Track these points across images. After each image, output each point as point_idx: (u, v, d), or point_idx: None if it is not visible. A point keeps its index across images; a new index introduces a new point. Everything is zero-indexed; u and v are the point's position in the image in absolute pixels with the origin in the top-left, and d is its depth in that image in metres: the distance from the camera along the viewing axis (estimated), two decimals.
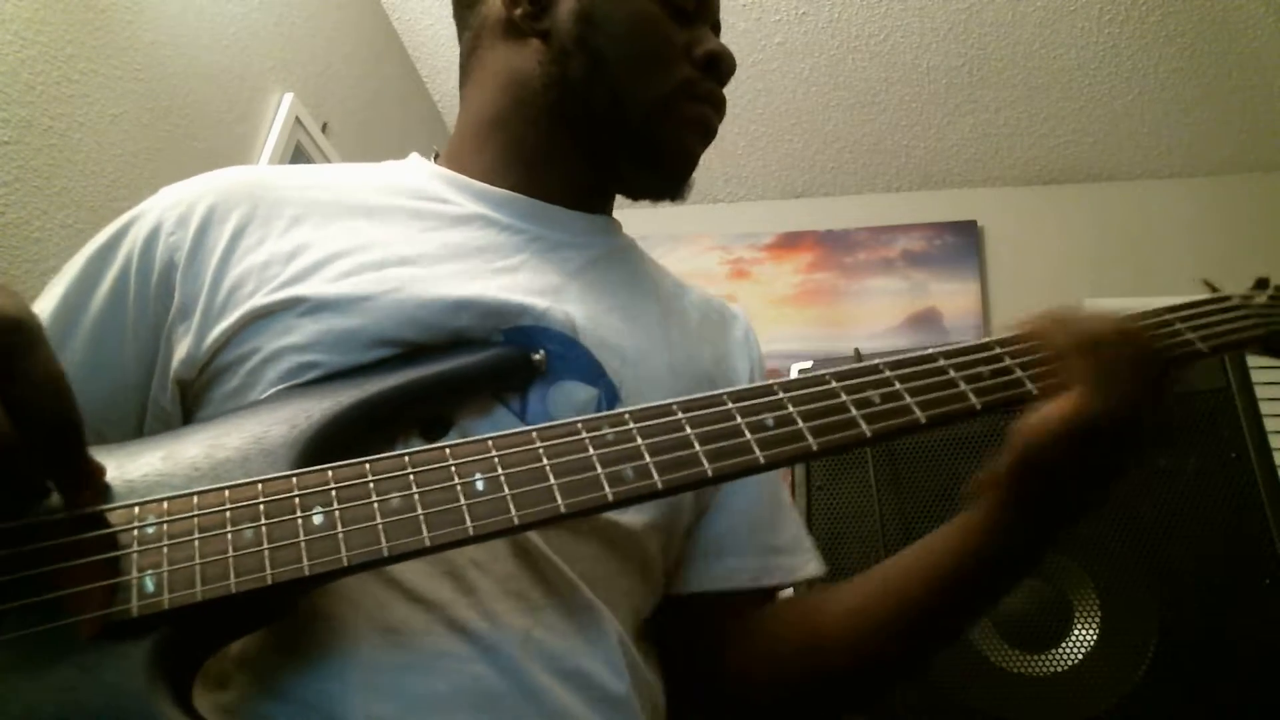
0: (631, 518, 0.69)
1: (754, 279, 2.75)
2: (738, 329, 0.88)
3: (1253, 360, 1.25)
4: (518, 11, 0.80)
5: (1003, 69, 2.41)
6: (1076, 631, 1.20)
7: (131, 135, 1.48)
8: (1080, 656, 1.18)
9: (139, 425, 0.69)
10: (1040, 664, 1.19)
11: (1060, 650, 1.19)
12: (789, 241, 2.78)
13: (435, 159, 0.84)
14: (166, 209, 0.71)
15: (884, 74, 2.45)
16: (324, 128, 2.01)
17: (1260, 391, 1.23)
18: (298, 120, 1.90)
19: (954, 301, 2.64)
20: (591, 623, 0.64)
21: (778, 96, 2.51)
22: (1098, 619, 1.19)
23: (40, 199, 1.29)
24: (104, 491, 0.53)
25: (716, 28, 0.85)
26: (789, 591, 0.84)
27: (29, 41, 1.29)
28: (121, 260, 0.69)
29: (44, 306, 0.70)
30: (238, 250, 0.69)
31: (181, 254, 0.69)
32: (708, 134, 0.82)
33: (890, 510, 1.32)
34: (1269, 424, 1.22)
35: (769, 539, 0.80)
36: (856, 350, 1.31)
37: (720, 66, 0.80)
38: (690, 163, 0.81)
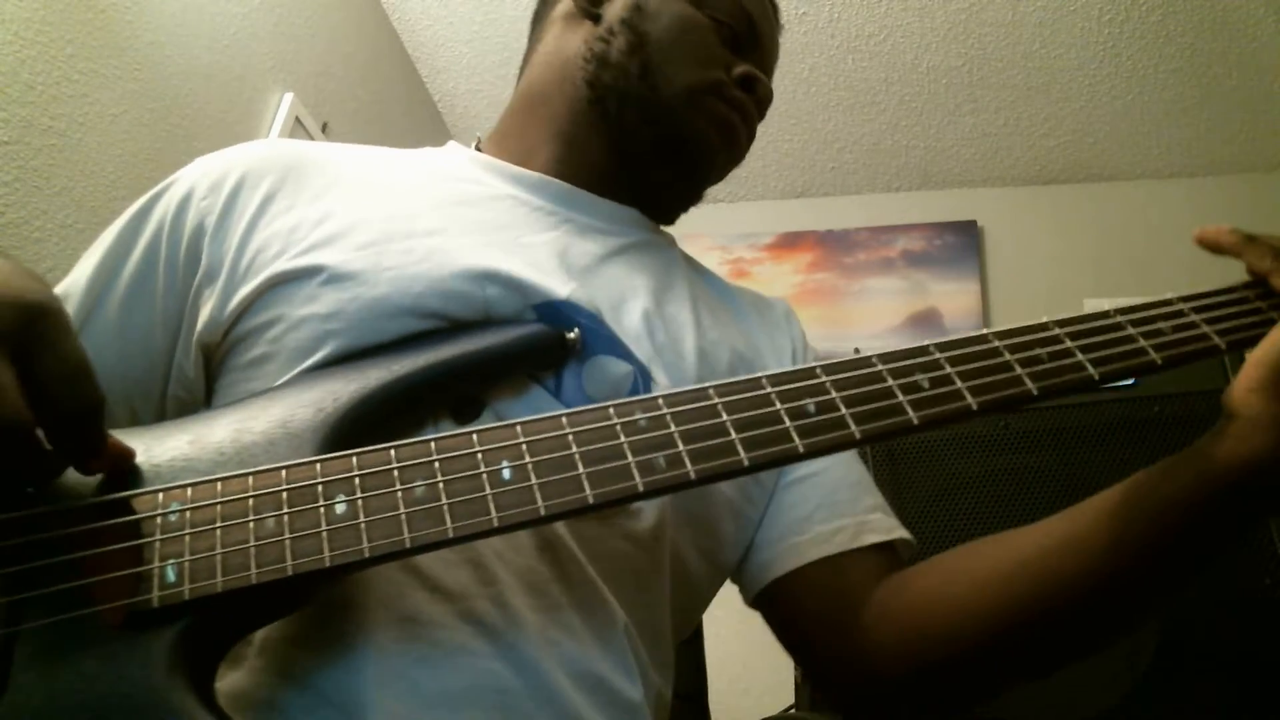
0: (651, 515, 0.67)
1: (754, 279, 2.75)
2: (776, 311, 0.88)
3: None
4: None
5: (1003, 69, 2.41)
6: None
7: (131, 135, 1.48)
8: None
9: (164, 391, 0.69)
10: None
11: None
12: (789, 241, 2.78)
13: (477, 146, 0.85)
14: (199, 176, 0.71)
15: (884, 74, 2.45)
16: (324, 128, 2.01)
17: None
18: (298, 120, 1.90)
19: (954, 301, 2.63)
20: (608, 625, 0.63)
21: (778, 96, 2.50)
22: None
23: (40, 199, 1.29)
24: (133, 475, 0.53)
25: (766, 74, 0.86)
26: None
27: (29, 41, 1.29)
28: (154, 226, 0.70)
29: (81, 273, 0.70)
30: (266, 215, 0.69)
31: (211, 218, 0.69)
32: (732, 140, 0.82)
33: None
34: None
35: (858, 501, 0.77)
36: (856, 350, 1.31)
37: (756, 88, 0.82)
38: (709, 158, 0.82)
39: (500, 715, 0.55)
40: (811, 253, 2.76)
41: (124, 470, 0.52)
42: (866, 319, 2.66)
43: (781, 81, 2.82)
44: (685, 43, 0.80)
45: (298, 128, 1.90)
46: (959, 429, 1.34)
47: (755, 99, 0.83)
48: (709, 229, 2.78)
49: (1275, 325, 0.57)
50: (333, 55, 2.10)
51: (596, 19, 0.83)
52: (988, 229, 2.72)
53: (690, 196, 0.85)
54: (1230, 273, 0.76)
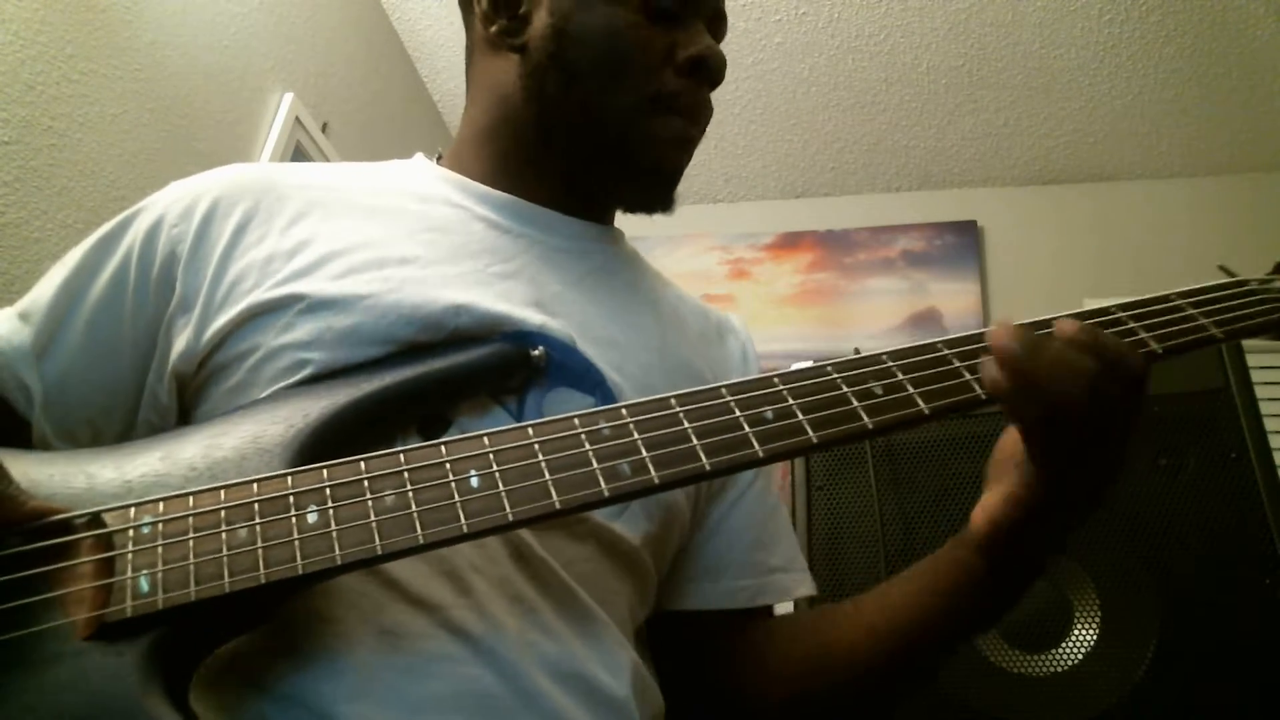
0: (625, 529, 0.70)
1: (754, 279, 2.75)
2: (734, 344, 0.88)
3: (1253, 360, 1.24)
4: (494, 29, 0.79)
5: (1003, 69, 2.41)
6: (1076, 631, 1.20)
7: (131, 135, 1.48)
8: (1080, 656, 1.18)
9: (133, 416, 0.69)
10: (1040, 664, 1.19)
11: (1060, 650, 1.19)
12: (789, 241, 2.78)
13: (438, 160, 0.84)
14: (171, 203, 0.71)
15: (884, 74, 2.45)
16: (324, 128, 2.01)
17: (1260, 391, 1.23)
18: (298, 120, 1.90)
19: (954, 301, 2.63)
20: (588, 625, 0.64)
21: (778, 96, 2.51)
22: (1098, 619, 1.19)
23: (40, 199, 1.29)
24: (106, 492, 0.53)
25: (718, 17, 0.82)
26: (788, 606, 0.85)
27: (29, 41, 1.29)
28: (123, 251, 0.70)
29: (43, 293, 0.70)
30: (240, 245, 0.69)
31: (184, 247, 0.69)
32: (685, 146, 0.79)
33: (890, 510, 1.32)
34: (1269, 424, 1.22)
35: (766, 558, 0.81)
36: (856, 350, 1.30)
37: (705, 70, 0.77)
38: (668, 176, 0.80)
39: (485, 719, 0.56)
40: (811, 253, 2.76)
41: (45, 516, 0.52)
42: (866, 319, 2.66)
43: (781, 81, 2.81)
44: (618, 60, 0.75)
45: (298, 128, 1.90)
46: (960, 429, 1.34)
47: (708, 78, 0.78)
48: (709, 229, 2.78)
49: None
50: (333, 55, 2.10)
51: (520, 49, 0.78)
52: (988, 229, 2.72)
53: (659, 206, 0.82)
54: (1248, 269, 0.76)
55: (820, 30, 2.35)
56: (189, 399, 0.68)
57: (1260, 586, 1.12)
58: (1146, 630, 1.15)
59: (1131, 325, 0.64)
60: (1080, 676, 1.17)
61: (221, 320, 0.66)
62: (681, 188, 0.82)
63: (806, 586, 0.83)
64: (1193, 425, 1.22)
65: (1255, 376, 1.23)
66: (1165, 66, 2.36)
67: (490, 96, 0.81)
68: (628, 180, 0.80)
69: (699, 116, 0.79)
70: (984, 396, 0.59)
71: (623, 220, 0.87)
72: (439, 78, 2.55)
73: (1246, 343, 1.24)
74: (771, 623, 0.80)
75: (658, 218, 0.85)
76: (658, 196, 0.81)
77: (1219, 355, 1.23)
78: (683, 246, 2.76)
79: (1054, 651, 1.19)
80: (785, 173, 2.77)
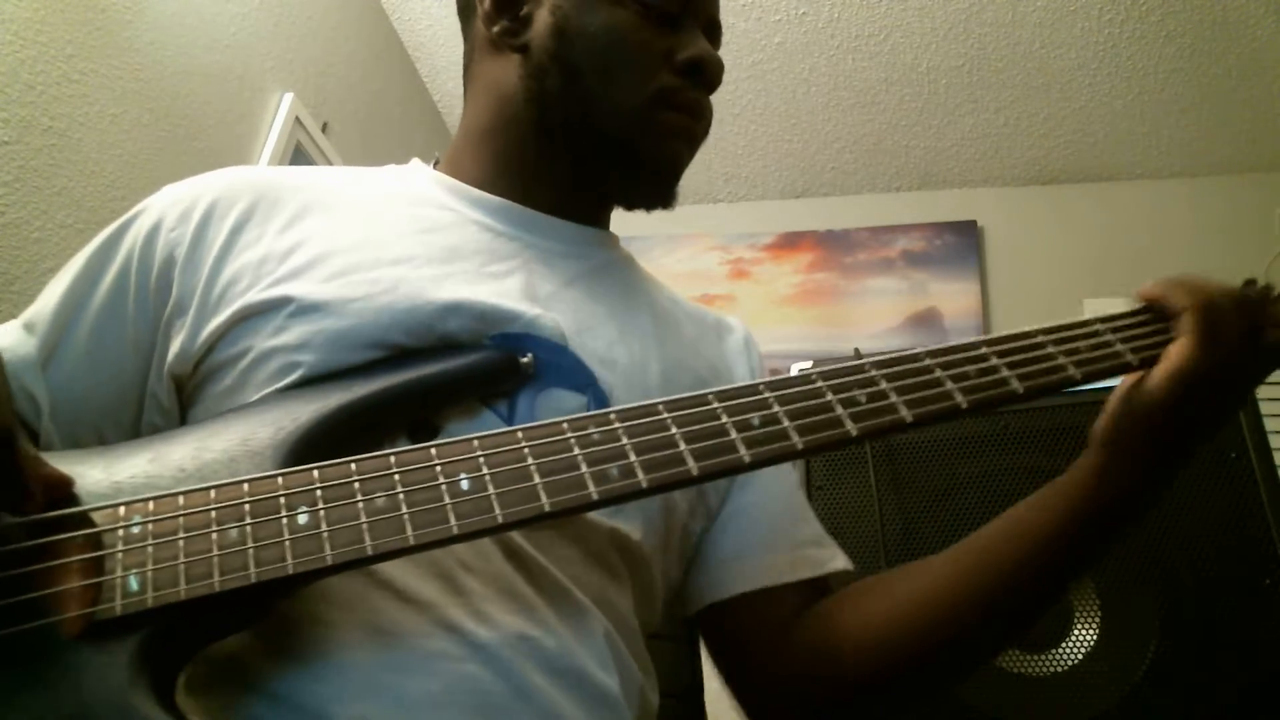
0: (623, 524, 0.70)
1: (754, 279, 2.75)
2: (735, 338, 0.88)
3: None
4: (496, 29, 0.80)
5: (1003, 69, 2.41)
6: (1076, 631, 1.20)
7: (131, 135, 1.48)
8: (1080, 656, 1.18)
9: (138, 421, 0.69)
10: (1040, 664, 1.19)
11: (1060, 650, 1.19)
12: (789, 241, 2.78)
13: (435, 165, 0.85)
14: (168, 205, 0.72)
15: (884, 74, 2.45)
16: (324, 128, 2.01)
17: (1260, 391, 1.22)
18: (298, 120, 1.90)
19: (954, 301, 2.63)
20: (582, 622, 0.65)
21: (778, 96, 2.51)
22: (1098, 619, 1.19)
23: (40, 199, 1.29)
24: (93, 493, 0.53)
25: (713, 26, 0.83)
26: None
27: (29, 41, 1.29)
28: (123, 256, 0.70)
29: (47, 302, 0.70)
30: (235, 246, 0.69)
31: (181, 249, 0.69)
32: (689, 142, 0.80)
33: (890, 510, 1.32)
34: (1269, 424, 1.22)
35: (795, 533, 0.80)
36: (856, 350, 1.31)
37: (703, 73, 0.78)
38: (673, 170, 0.80)
39: (481, 716, 0.56)
40: (811, 253, 2.76)
41: (63, 498, 0.52)
42: (866, 319, 2.66)
43: (781, 81, 2.81)
44: (619, 59, 0.76)
45: (298, 128, 1.90)
46: (959, 429, 1.34)
47: (706, 80, 0.79)
48: (709, 229, 2.78)
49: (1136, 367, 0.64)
50: (333, 55, 2.10)
51: (523, 50, 0.79)
52: (988, 229, 2.72)
53: (660, 201, 0.83)
54: (1235, 276, 0.76)
55: (820, 30, 2.35)
56: (185, 400, 0.69)
57: (1260, 586, 1.12)
58: (1146, 630, 1.15)
59: (1110, 337, 0.67)
60: (1080, 676, 1.17)
61: (215, 322, 0.66)
62: (681, 186, 0.82)
63: (841, 561, 0.80)
64: None
65: None
66: (1165, 66, 2.36)
67: (491, 98, 0.82)
68: (631, 176, 0.80)
69: (700, 113, 0.80)
70: (964, 405, 0.60)
71: (623, 220, 0.87)
72: (439, 78, 2.55)
73: None
74: (836, 595, 0.77)
75: (658, 217, 0.85)
76: (660, 192, 0.81)
77: None
78: (683, 246, 2.76)
79: (1054, 651, 1.19)
80: (785, 173, 2.77)
